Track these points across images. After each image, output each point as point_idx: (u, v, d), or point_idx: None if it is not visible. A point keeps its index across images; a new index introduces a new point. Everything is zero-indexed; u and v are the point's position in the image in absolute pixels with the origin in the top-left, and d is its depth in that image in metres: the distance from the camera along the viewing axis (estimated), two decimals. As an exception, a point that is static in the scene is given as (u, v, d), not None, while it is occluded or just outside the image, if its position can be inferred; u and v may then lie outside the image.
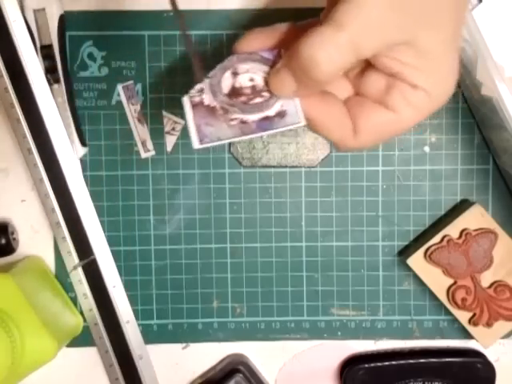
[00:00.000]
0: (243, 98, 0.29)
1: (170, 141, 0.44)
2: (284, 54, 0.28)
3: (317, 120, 0.29)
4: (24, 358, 0.38)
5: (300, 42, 0.26)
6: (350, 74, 0.31)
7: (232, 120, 0.29)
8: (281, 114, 0.29)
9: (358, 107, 0.30)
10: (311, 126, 0.30)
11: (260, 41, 0.30)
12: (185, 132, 0.44)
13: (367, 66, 0.30)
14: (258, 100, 0.29)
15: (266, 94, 0.29)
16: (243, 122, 0.29)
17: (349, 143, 0.29)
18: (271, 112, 0.29)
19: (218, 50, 0.44)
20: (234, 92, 0.29)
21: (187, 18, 0.43)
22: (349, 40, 0.26)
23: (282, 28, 0.30)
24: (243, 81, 0.29)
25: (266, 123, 0.29)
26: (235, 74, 0.29)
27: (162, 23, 0.43)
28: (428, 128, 0.44)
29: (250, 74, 0.29)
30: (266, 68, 0.29)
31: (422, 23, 0.27)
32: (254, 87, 0.29)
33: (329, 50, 0.26)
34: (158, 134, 0.44)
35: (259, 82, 0.29)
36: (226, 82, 0.29)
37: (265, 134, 0.29)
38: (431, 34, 0.27)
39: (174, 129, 0.44)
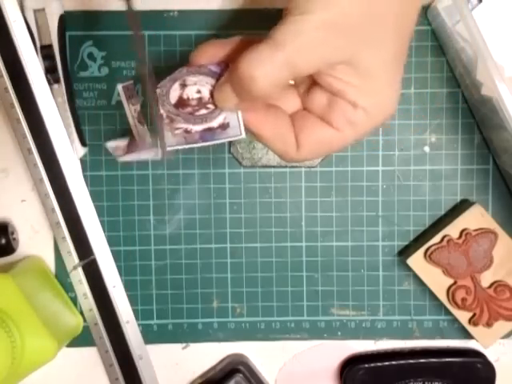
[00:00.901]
0: (189, 109, 0.30)
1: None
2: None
3: (259, 133, 0.30)
4: (24, 358, 0.38)
5: (240, 58, 0.27)
6: (300, 89, 0.32)
7: (177, 129, 0.30)
8: (223, 126, 0.30)
9: (303, 121, 0.30)
10: (256, 138, 0.31)
11: (212, 53, 0.31)
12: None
13: (314, 82, 0.30)
14: (202, 111, 0.30)
15: (210, 106, 0.30)
16: (187, 132, 0.30)
17: (291, 156, 0.30)
18: (214, 124, 0.30)
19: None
20: (181, 103, 0.30)
21: (188, 18, 0.43)
22: (285, 59, 0.26)
23: (234, 41, 0.31)
24: (190, 92, 0.30)
25: (208, 134, 0.30)
26: (183, 85, 0.30)
27: (162, 23, 0.43)
28: (428, 128, 0.44)
29: (198, 87, 0.30)
30: (212, 81, 0.30)
31: (362, 43, 0.27)
32: (200, 99, 0.30)
33: (265, 68, 0.27)
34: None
35: (205, 94, 0.30)
36: (174, 93, 0.30)
37: (206, 144, 0.30)
38: (372, 53, 0.27)
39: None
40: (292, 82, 0.32)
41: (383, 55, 0.28)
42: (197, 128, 0.30)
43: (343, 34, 0.26)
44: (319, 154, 0.31)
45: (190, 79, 0.30)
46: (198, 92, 0.30)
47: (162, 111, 0.30)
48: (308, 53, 0.27)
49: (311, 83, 0.31)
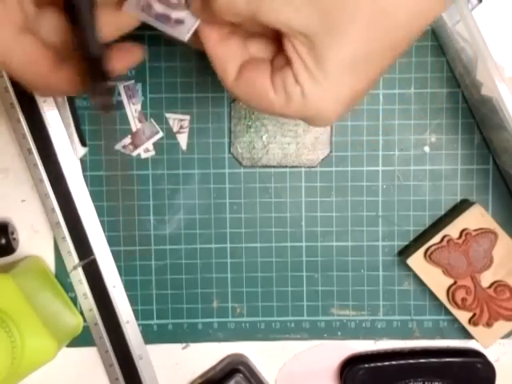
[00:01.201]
0: None
1: (183, 139, 0.44)
2: None
3: (206, 44, 0.30)
4: (24, 358, 0.38)
5: None
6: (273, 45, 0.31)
7: None
8: (178, 22, 0.30)
9: (256, 63, 0.30)
10: (201, 49, 0.30)
11: None
12: (191, 132, 0.44)
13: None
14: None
15: None
16: (148, 5, 0.30)
17: (226, 83, 0.30)
18: (173, 15, 0.30)
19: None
20: None
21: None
22: None
23: None
24: None
25: (162, 19, 0.30)
26: None
27: (162, 23, 0.43)
28: (428, 128, 0.44)
29: None
30: None
31: (329, 31, 0.26)
32: None
33: None
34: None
35: None
36: None
37: (154, 25, 0.30)
38: (334, 47, 0.26)
39: (182, 127, 0.44)
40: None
41: (345, 53, 0.27)
42: (157, 8, 0.30)
43: (317, 10, 0.26)
44: (249, 100, 0.30)
45: None
46: None
47: None
48: (276, 3, 0.26)
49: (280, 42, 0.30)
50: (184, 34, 0.30)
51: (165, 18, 0.30)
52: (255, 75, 0.29)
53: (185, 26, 0.30)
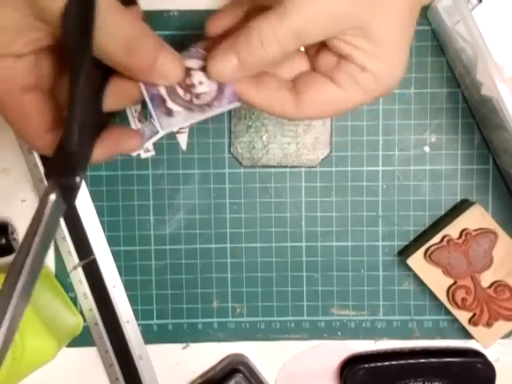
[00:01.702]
0: (188, 96, 0.30)
1: (183, 139, 0.44)
2: (229, 35, 0.29)
3: (254, 102, 0.30)
4: (24, 358, 0.38)
5: (250, 24, 0.28)
6: (310, 51, 0.32)
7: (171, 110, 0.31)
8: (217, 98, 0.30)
9: (310, 80, 0.30)
10: (250, 106, 0.31)
11: (225, 21, 0.31)
12: (191, 132, 0.44)
13: (323, 44, 0.30)
14: (202, 94, 0.30)
15: (205, 87, 0.30)
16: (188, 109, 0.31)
17: (290, 114, 0.30)
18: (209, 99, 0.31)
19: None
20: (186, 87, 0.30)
21: (188, 18, 0.43)
22: (294, 28, 0.27)
23: (244, 7, 0.31)
24: (196, 80, 0.30)
25: (206, 108, 0.31)
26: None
27: (162, 23, 0.43)
28: (428, 128, 0.44)
29: (200, 76, 0.30)
30: (201, 62, 0.30)
31: (372, 9, 0.27)
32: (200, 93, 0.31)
33: (274, 35, 0.27)
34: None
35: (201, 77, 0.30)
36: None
37: (205, 116, 0.31)
38: (381, 19, 0.28)
39: (182, 127, 0.44)
40: (302, 49, 0.32)
41: (393, 21, 0.28)
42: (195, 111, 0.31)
43: (355, 1, 0.27)
44: (325, 113, 0.31)
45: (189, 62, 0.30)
46: (201, 83, 0.30)
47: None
48: (317, 21, 0.27)
49: (321, 45, 0.31)
50: (235, 100, 0.30)
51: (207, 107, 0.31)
52: (316, 89, 0.30)
53: (226, 95, 0.30)
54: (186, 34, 0.43)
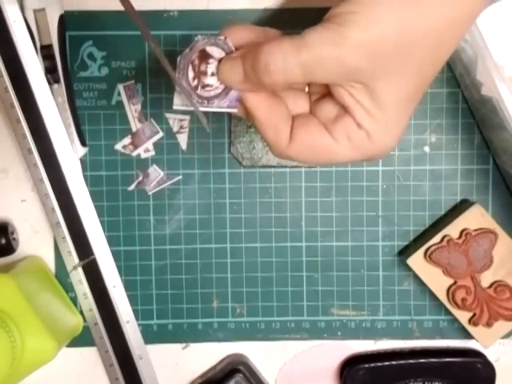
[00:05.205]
0: (200, 86, 0.30)
1: (183, 139, 0.44)
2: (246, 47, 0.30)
3: (254, 112, 0.30)
4: (24, 358, 0.38)
5: (264, 43, 0.28)
6: (312, 96, 0.32)
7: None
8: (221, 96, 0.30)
9: (305, 121, 0.30)
10: (250, 119, 0.31)
11: (241, 35, 0.31)
12: (191, 132, 0.44)
13: (327, 92, 0.30)
14: (208, 91, 0.30)
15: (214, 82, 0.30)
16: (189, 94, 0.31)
17: (280, 147, 0.30)
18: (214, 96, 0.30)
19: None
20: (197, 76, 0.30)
21: (188, 18, 0.43)
22: (304, 62, 0.27)
23: (265, 30, 0.31)
24: (210, 70, 0.30)
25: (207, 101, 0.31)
26: (202, 55, 0.30)
27: (162, 23, 0.43)
28: (428, 128, 0.44)
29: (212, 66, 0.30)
30: (222, 53, 0.30)
31: (384, 72, 0.27)
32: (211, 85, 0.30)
33: (281, 62, 0.27)
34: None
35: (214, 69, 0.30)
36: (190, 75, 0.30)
37: (203, 109, 0.31)
38: (390, 85, 0.27)
39: (182, 127, 0.44)
40: (306, 90, 0.32)
41: (400, 91, 0.28)
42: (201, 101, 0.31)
43: (372, 58, 0.26)
44: (309, 158, 0.30)
45: (209, 49, 0.30)
46: (212, 74, 0.30)
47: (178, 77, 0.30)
48: (329, 65, 0.26)
49: (324, 93, 0.31)
50: (233, 106, 0.30)
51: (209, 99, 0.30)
52: (310, 133, 0.30)
53: (229, 97, 0.30)
54: (186, 34, 0.43)
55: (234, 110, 0.31)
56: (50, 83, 0.42)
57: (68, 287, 0.45)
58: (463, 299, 0.43)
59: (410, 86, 0.28)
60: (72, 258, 0.44)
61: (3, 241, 0.43)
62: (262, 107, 0.30)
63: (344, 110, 0.29)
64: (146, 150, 0.44)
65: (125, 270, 0.45)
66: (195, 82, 0.30)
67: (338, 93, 0.29)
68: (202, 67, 0.30)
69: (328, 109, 0.30)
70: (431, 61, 0.28)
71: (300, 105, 0.32)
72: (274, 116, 0.30)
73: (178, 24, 0.43)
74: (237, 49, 0.30)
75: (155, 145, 0.44)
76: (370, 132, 0.28)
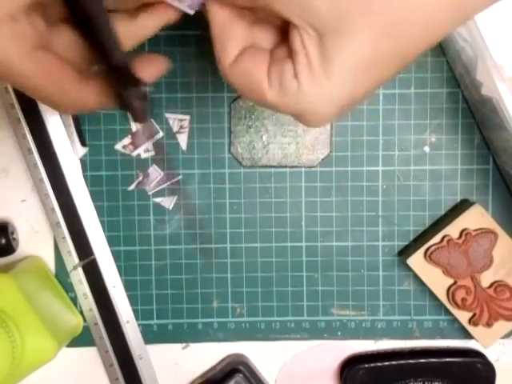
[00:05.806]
0: None
1: (183, 139, 0.44)
2: None
3: (211, 22, 0.29)
4: (24, 358, 0.38)
5: None
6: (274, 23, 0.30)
7: None
8: None
9: (256, 52, 0.29)
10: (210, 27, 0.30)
11: None
12: (191, 132, 0.44)
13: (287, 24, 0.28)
14: None
15: None
16: None
17: (223, 65, 0.29)
18: None
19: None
20: None
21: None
22: None
23: None
24: None
25: None
26: None
27: (162, 23, 0.43)
28: (428, 128, 0.44)
29: None
30: None
31: (340, 26, 0.25)
32: None
33: None
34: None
35: None
36: None
37: None
38: (342, 46, 0.26)
39: (182, 127, 0.44)
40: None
41: (352, 54, 0.26)
42: None
43: (336, 1, 0.25)
44: (242, 88, 0.29)
45: None
46: None
47: None
48: None
49: (282, 37, 0.29)
50: (191, 7, 0.30)
51: None
52: (253, 63, 0.28)
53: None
54: (186, 34, 0.43)
55: (191, 12, 0.30)
56: (49, 83, 0.42)
57: (68, 287, 0.45)
58: (463, 299, 0.43)
59: (362, 53, 0.26)
60: (72, 258, 0.44)
61: (3, 241, 0.43)
62: (218, 19, 0.29)
63: (290, 54, 0.27)
64: (146, 150, 0.44)
65: (125, 270, 0.45)
66: None
67: (292, 35, 0.27)
68: None
69: (282, 50, 0.28)
70: (391, 33, 0.25)
71: (265, 40, 0.30)
72: (227, 32, 0.29)
73: (177, 24, 0.43)
74: None
75: (155, 145, 0.44)
76: (303, 87, 0.27)
